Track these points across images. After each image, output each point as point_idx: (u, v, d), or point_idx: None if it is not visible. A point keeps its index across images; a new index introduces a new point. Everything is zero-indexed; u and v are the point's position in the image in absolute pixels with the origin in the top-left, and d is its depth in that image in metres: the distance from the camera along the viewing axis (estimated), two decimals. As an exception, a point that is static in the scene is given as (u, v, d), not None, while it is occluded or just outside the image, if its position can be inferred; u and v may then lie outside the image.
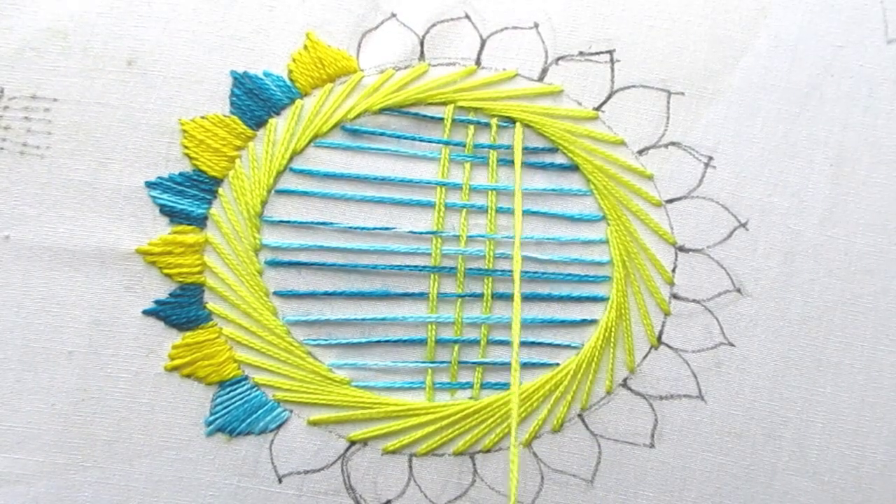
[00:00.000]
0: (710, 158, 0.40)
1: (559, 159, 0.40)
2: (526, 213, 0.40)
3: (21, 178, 0.39)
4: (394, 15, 0.40)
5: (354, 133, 0.39)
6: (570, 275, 0.40)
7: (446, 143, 0.40)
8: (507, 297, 0.40)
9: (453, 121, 0.40)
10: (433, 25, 0.40)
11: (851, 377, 0.40)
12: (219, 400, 0.38)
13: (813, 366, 0.40)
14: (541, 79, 0.40)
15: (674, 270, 0.40)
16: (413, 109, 0.40)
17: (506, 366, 0.39)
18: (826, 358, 0.40)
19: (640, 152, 0.40)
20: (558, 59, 0.40)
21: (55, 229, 0.39)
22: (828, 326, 0.40)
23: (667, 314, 0.40)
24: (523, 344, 0.39)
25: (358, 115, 0.39)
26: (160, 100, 0.39)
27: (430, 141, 0.40)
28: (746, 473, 0.39)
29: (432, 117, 0.40)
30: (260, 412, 0.38)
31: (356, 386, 0.39)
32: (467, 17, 0.40)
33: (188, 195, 0.39)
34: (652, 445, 0.39)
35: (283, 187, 0.39)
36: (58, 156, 0.39)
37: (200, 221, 0.39)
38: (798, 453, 0.39)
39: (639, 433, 0.39)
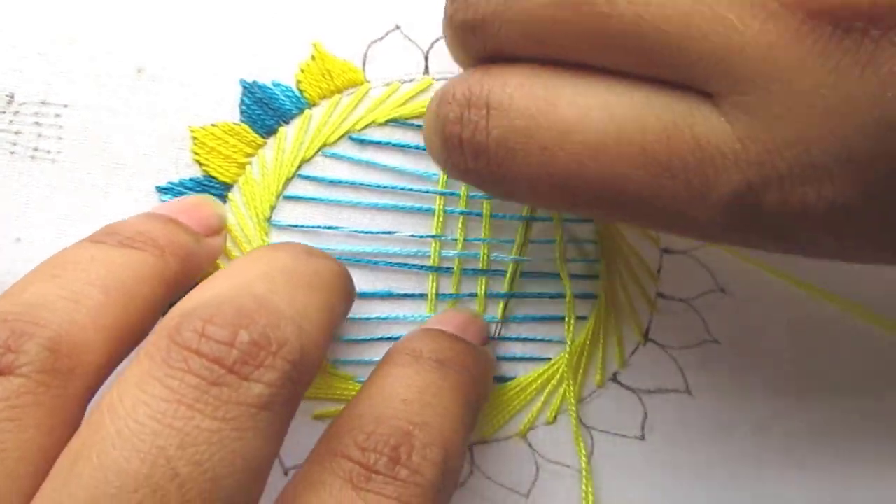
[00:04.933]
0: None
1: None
2: (519, 218, 0.42)
3: (32, 182, 0.39)
4: (398, 27, 0.41)
5: (361, 143, 0.41)
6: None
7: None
8: (502, 297, 0.41)
9: (454, 131, 0.41)
10: (437, 40, 0.41)
11: (838, 370, 0.42)
12: (229, 396, 0.40)
13: (799, 359, 0.42)
14: (536, 91, 0.42)
15: (659, 270, 0.42)
16: (418, 122, 0.41)
17: (500, 360, 0.41)
18: (812, 352, 0.42)
19: (626, 159, 0.42)
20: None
21: (66, 232, 0.40)
22: (812, 322, 0.42)
23: (653, 311, 0.42)
24: (516, 339, 0.42)
25: (365, 127, 0.41)
26: (170, 107, 0.40)
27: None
28: (734, 465, 0.41)
29: (435, 127, 0.41)
30: (268, 408, 0.40)
31: (360, 382, 0.41)
32: (469, 31, 0.42)
33: (199, 200, 0.40)
34: (642, 438, 0.41)
35: (291, 193, 0.41)
36: (68, 160, 0.40)
37: (211, 225, 0.40)
38: (785, 445, 0.42)
39: (629, 426, 0.41)
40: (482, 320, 0.40)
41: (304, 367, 0.29)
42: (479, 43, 0.30)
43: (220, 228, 0.38)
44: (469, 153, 0.30)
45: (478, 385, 0.36)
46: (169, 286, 0.31)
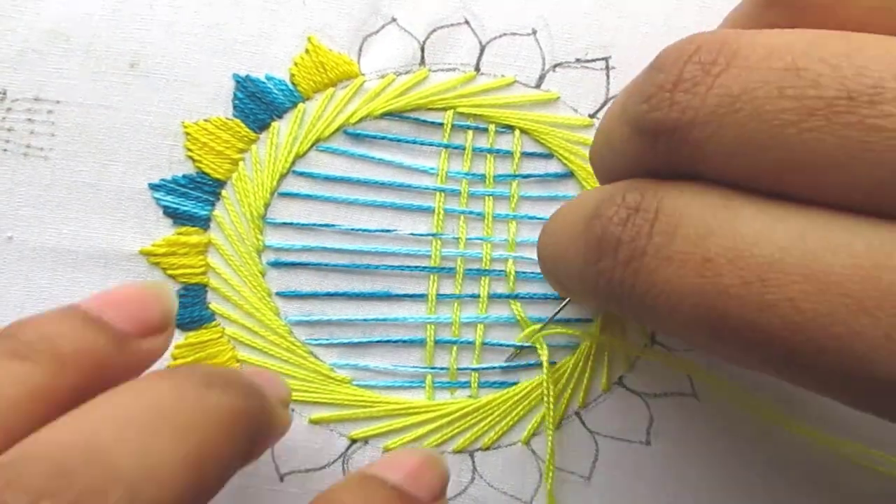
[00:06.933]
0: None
1: (555, 165, 0.41)
2: (522, 218, 0.40)
3: (24, 180, 0.39)
4: (394, 19, 0.40)
5: (356, 137, 0.40)
6: (566, 276, 0.40)
7: (446, 147, 0.40)
8: (504, 298, 0.40)
9: (452, 126, 0.40)
10: (433, 31, 0.41)
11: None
12: (221, 399, 0.39)
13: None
14: (538, 85, 0.41)
15: (667, 272, 0.40)
16: (414, 115, 0.40)
17: (503, 366, 0.40)
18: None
19: (634, 156, 0.41)
20: (555, 65, 0.41)
21: (58, 230, 0.39)
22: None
23: (661, 314, 0.40)
24: (520, 344, 0.40)
25: (359, 120, 0.40)
26: (163, 102, 0.39)
27: (430, 144, 0.40)
28: (741, 469, 0.40)
29: (432, 122, 0.40)
30: (262, 411, 0.39)
31: (357, 385, 0.39)
32: (467, 22, 0.41)
33: (192, 197, 0.39)
34: (648, 442, 0.40)
35: (285, 189, 0.40)
36: (61, 157, 0.39)
37: (204, 223, 0.39)
38: (793, 448, 0.40)
39: (635, 430, 0.40)
40: (442, 466, 0.33)
41: None
42: (665, 150, 0.26)
43: (162, 327, 0.31)
44: (622, 258, 0.26)
45: None
46: (60, 405, 0.26)
